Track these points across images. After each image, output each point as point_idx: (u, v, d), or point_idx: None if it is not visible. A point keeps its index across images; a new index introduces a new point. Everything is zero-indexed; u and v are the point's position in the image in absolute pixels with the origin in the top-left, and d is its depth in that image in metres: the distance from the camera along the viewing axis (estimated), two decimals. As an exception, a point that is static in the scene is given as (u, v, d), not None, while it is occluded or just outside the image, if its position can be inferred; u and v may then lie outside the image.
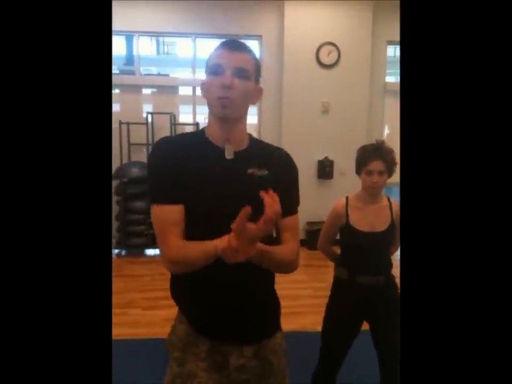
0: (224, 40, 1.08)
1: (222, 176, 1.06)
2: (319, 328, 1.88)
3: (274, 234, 1.14)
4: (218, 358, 1.12)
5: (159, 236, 1.06)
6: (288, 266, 1.10)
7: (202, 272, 1.02)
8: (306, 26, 4.76)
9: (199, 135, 1.13)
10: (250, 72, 1.05)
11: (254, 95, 1.10)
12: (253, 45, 5.06)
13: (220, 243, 0.91)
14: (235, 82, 1.02)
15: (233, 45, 1.05)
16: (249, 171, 1.08)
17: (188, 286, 1.12)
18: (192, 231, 1.06)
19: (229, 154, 1.08)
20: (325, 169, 4.93)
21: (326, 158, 4.94)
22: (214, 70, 1.04)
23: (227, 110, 1.04)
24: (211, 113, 1.09)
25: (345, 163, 4.73)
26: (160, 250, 1.08)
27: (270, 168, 1.10)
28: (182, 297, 1.16)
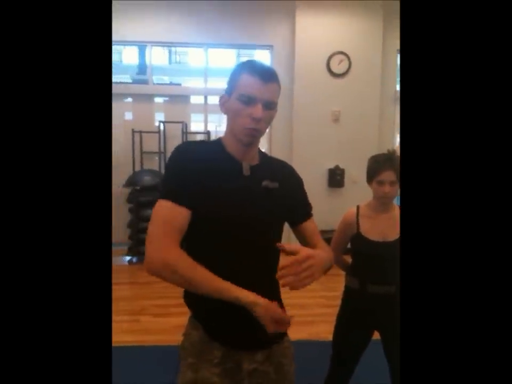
0: (258, 65, 1.07)
1: (241, 190, 1.11)
2: (330, 337, 1.88)
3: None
4: (231, 364, 1.14)
5: (155, 231, 1.04)
6: (330, 264, 1.19)
7: None
8: (317, 36, 4.80)
9: (219, 149, 1.14)
10: (276, 103, 1.09)
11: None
12: (264, 54, 5.12)
13: (245, 296, 1.01)
14: (264, 114, 1.06)
15: (266, 75, 1.05)
16: (264, 184, 1.14)
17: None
18: (200, 242, 1.09)
19: (246, 171, 1.13)
20: (335, 178, 4.93)
21: (337, 166, 4.95)
22: (245, 100, 1.05)
23: (253, 139, 1.10)
24: (234, 136, 1.11)
25: (356, 171, 4.74)
26: (149, 246, 1.03)
27: (280, 181, 1.17)
28: (196, 303, 1.18)
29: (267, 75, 1.06)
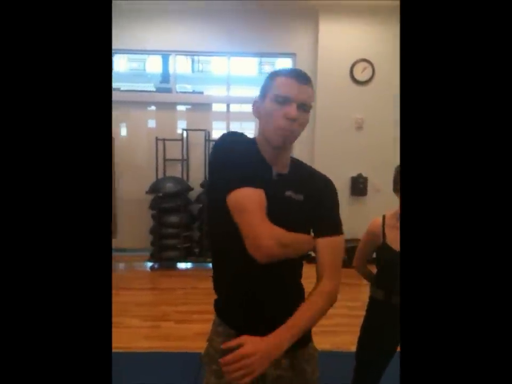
0: (292, 69, 1.09)
1: (267, 194, 1.07)
2: (353, 348, 1.84)
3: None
4: None
5: (256, 219, 0.99)
6: (330, 305, 1.11)
7: (241, 285, 1.11)
8: (340, 44, 4.79)
9: (255, 150, 1.12)
10: (310, 106, 1.08)
11: None
12: (287, 63, 5.13)
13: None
14: (299, 115, 1.04)
15: (301, 77, 1.06)
16: (287, 194, 1.11)
17: (229, 290, 1.18)
18: (222, 237, 1.11)
19: (274, 177, 1.12)
20: (358, 186, 4.88)
21: (360, 174, 4.90)
22: (280, 99, 1.04)
23: (285, 141, 1.07)
24: (266, 139, 1.09)
25: (379, 180, 4.68)
26: (258, 233, 0.99)
27: (306, 194, 1.13)
28: (223, 298, 1.21)
29: (302, 77, 1.06)
